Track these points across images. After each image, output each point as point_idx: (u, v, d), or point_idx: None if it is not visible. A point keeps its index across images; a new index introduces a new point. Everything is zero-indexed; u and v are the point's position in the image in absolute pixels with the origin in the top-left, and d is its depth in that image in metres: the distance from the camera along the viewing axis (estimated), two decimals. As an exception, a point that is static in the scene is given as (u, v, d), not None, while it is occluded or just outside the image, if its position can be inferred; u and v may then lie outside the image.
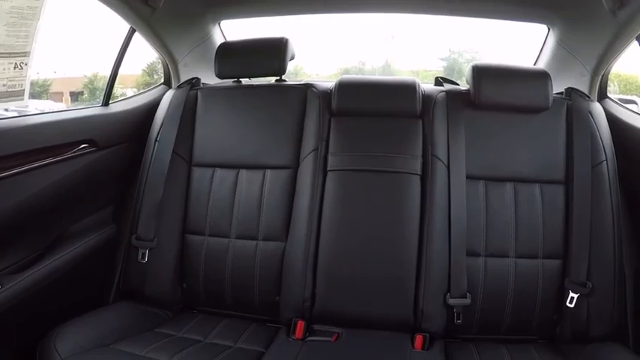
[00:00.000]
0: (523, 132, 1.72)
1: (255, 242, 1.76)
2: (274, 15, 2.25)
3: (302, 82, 1.94)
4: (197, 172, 1.85)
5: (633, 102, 2.86)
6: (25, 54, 1.47)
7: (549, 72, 1.74)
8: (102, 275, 1.91)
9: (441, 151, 1.72)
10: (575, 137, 1.68)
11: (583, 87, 1.89)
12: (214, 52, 1.94)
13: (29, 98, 1.53)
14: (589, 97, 1.82)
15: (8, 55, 1.42)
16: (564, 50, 2.00)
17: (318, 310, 1.67)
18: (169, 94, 1.95)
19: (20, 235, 1.57)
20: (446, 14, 2.20)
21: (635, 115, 1.80)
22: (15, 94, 1.48)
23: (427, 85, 1.93)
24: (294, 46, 1.94)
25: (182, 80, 2.12)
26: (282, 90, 1.91)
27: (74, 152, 1.69)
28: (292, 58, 1.95)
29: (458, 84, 1.96)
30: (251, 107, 1.87)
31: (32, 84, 1.53)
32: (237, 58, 1.94)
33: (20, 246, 1.59)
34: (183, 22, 2.09)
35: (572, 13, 1.91)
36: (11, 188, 1.47)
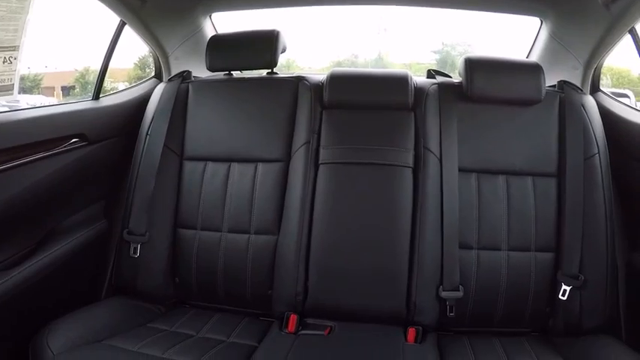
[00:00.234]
0: (516, 125, 1.72)
1: (247, 236, 1.76)
2: (266, 7, 2.23)
3: (293, 75, 1.92)
4: (188, 166, 1.84)
5: (626, 95, 2.87)
6: (14, 48, 1.45)
7: (542, 65, 1.73)
8: (94, 270, 1.90)
9: (433, 143, 1.72)
10: (567, 130, 1.68)
11: (576, 80, 1.89)
12: (205, 45, 1.92)
13: (20, 93, 1.52)
14: (582, 90, 1.82)
15: (-3, 49, 1.40)
16: (557, 43, 2.00)
17: (311, 303, 1.67)
18: (160, 88, 1.94)
19: (11, 230, 1.56)
20: (439, 6, 2.19)
21: (627, 108, 1.81)
22: (4, 89, 1.47)
23: (419, 78, 1.92)
24: (285, 39, 1.93)
25: (173, 73, 2.11)
26: (274, 83, 1.90)
27: (64, 147, 1.68)
28: (284, 50, 1.94)
29: (450, 76, 1.95)
30: (242, 100, 1.86)
31: (23, 79, 1.52)
32: (228, 50, 1.92)
33: (11, 242, 1.57)
34: (174, 15, 2.07)
35: (565, 6, 1.91)
36: (1, 183, 1.46)
